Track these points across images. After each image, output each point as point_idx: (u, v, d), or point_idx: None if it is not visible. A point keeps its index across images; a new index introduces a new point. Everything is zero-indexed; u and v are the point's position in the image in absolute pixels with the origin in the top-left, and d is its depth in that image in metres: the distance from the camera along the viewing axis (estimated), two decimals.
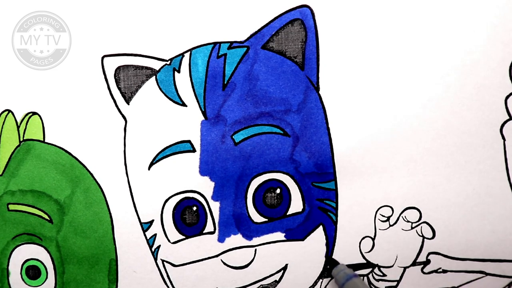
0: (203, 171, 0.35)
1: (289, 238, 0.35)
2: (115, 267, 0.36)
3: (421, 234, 0.35)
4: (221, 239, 0.35)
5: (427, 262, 0.35)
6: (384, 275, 0.35)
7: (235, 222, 0.35)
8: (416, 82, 0.34)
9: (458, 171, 0.34)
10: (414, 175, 0.34)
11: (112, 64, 0.35)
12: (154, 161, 0.35)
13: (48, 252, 0.36)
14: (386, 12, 0.34)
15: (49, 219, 0.36)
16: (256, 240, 0.35)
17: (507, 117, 0.34)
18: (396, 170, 0.34)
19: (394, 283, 0.35)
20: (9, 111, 0.35)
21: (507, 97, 0.34)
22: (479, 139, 0.34)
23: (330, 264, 0.35)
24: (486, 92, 0.34)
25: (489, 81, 0.34)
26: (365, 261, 0.35)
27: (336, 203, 0.35)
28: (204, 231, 0.35)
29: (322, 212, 0.35)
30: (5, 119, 0.35)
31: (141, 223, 0.36)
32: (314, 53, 0.34)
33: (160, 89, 0.35)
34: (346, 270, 0.34)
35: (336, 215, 0.35)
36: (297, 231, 0.35)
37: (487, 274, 0.34)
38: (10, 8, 0.35)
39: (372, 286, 0.35)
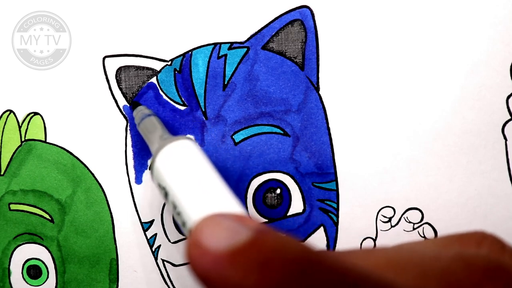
0: None
1: None
2: (116, 266, 0.36)
3: (423, 235, 0.34)
4: None
5: None
6: None
7: None
8: (416, 82, 0.34)
9: (459, 171, 0.34)
10: (416, 176, 0.34)
11: (113, 65, 0.35)
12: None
13: (49, 251, 0.36)
14: (386, 12, 0.34)
15: (50, 218, 0.36)
16: None
17: (509, 117, 0.34)
18: (398, 171, 0.34)
19: None
20: (11, 111, 0.36)
21: (509, 97, 0.33)
22: (480, 139, 0.34)
23: (133, 106, 0.34)
24: (487, 92, 0.34)
25: (490, 81, 0.33)
26: None
27: (337, 203, 0.35)
28: None
29: (323, 213, 0.35)
30: (6, 119, 0.36)
31: (141, 223, 0.36)
32: (314, 54, 0.34)
33: (161, 89, 0.35)
34: (144, 110, 0.33)
35: (337, 216, 0.35)
36: (297, 232, 0.35)
37: None
38: (10, 8, 0.35)
39: None
